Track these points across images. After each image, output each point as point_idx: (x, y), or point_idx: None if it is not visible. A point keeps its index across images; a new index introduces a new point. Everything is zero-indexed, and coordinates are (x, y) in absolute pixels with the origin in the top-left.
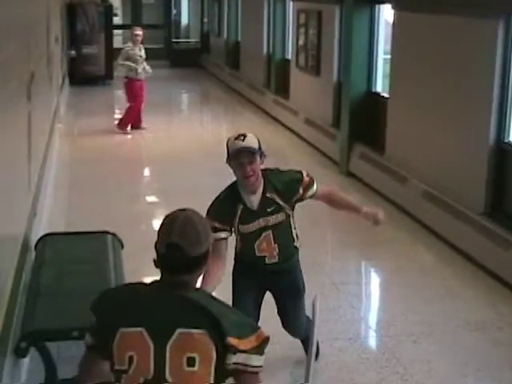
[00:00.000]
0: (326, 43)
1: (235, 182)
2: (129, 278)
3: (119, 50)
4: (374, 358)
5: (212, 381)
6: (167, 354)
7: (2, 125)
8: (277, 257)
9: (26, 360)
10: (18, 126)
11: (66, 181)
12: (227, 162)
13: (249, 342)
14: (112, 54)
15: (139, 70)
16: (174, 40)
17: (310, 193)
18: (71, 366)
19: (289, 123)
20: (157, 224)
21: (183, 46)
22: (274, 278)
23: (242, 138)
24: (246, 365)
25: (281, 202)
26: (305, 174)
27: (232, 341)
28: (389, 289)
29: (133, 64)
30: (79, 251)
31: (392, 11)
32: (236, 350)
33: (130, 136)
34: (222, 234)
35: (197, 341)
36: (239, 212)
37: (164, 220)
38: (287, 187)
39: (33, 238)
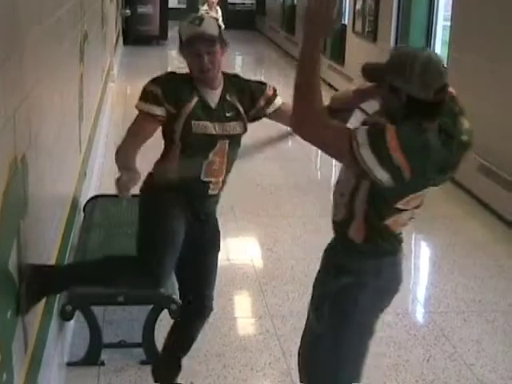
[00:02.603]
0: (384, 8)
1: (188, 74)
2: None
3: (174, 9)
4: (422, 334)
5: None
6: None
7: (55, 84)
8: (218, 188)
9: (72, 322)
10: (70, 85)
11: (117, 141)
12: (179, 51)
13: None
14: (167, 13)
15: None
16: (229, 1)
17: (271, 108)
18: (116, 329)
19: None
20: None
21: (238, 7)
22: (202, 223)
23: (198, 21)
24: None
25: (240, 109)
26: (268, 86)
27: None
28: (439, 264)
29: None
30: (128, 214)
31: None
32: None
33: None
34: (158, 111)
35: None
36: (194, 102)
37: (417, 63)
38: (248, 95)
39: (82, 199)
